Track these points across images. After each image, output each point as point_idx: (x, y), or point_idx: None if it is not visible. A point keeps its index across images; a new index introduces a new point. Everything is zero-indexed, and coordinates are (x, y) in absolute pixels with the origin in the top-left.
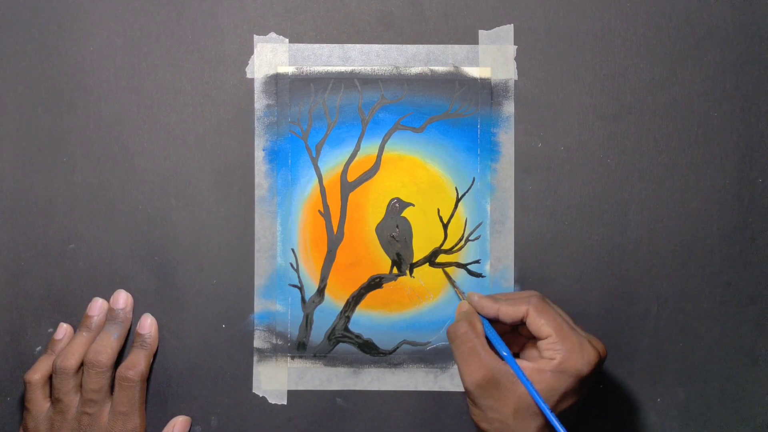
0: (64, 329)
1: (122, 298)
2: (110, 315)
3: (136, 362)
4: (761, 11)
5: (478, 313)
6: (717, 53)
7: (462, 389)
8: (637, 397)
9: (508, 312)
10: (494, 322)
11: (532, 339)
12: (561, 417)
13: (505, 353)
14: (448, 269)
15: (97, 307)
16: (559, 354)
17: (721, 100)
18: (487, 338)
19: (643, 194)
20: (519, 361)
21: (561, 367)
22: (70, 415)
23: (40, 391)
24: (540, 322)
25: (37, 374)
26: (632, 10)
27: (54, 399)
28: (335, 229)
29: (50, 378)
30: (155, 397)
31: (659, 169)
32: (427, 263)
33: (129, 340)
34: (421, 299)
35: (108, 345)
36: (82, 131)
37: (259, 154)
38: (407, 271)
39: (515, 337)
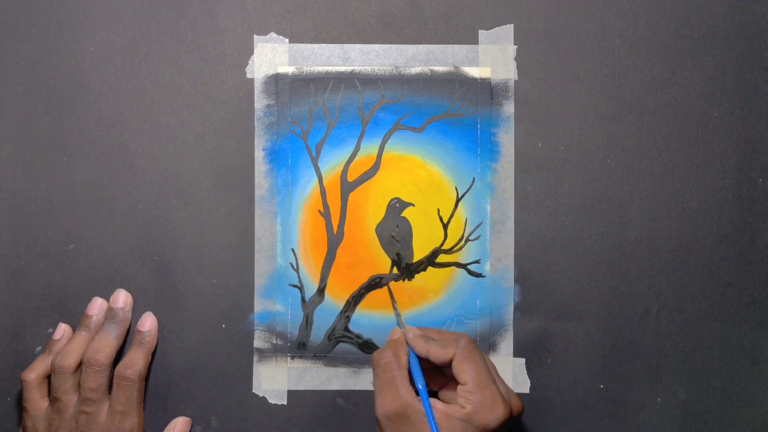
0: (62, 329)
1: (122, 298)
2: (109, 314)
3: (135, 361)
4: (761, 11)
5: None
6: (717, 53)
7: None
8: (637, 397)
9: (437, 354)
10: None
11: (454, 381)
12: None
13: (420, 386)
14: (394, 292)
15: (97, 306)
16: (470, 405)
17: (721, 100)
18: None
19: (643, 194)
20: (433, 401)
21: (469, 418)
22: (68, 415)
23: (36, 390)
24: (462, 368)
25: (33, 373)
26: (632, 10)
27: (52, 398)
28: (335, 229)
29: (48, 377)
30: (155, 397)
31: (659, 169)
32: (429, 264)
33: (128, 340)
34: (421, 299)
35: (106, 344)
36: (82, 131)
37: (259, 154)
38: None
39: (437, 375)
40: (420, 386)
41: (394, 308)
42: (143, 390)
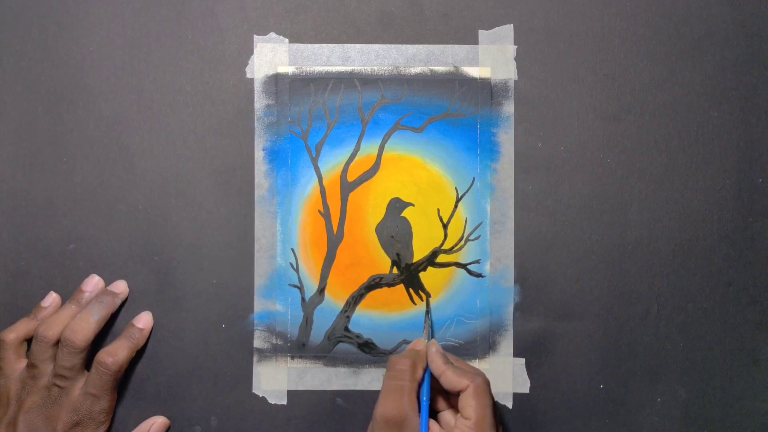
0: (52, 299)
1: (120, 286)
2: (99, 295)
3: (118, 351)
4: (761, 11)
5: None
6: (717, 53)
7: None
8: (637, 397)
9: (451, 380)
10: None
11: (457, 410)
12: None
13: (424, 399)
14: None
15: (92, 284)
16: None
17: (721, 100)
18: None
19: (643, 194)
20: (431, 422)
21: None
22: (42, 383)
23: (12, 351)
24: (471, 403)
25: (12, 334)
26: (632, 10)
27: (30, 363)
28: (335, 229)
29: (27, 340)
30: (155, 397)
31: (659, 169)
32: (429, 264)
33: (113, 330)
34: (422, 299)
35: (86, 326)
36: (82, 131)
37: (259, 154)
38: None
39: (444, 398)
40: (424, 399)
41: (426, 319)
42: (119, 380)
